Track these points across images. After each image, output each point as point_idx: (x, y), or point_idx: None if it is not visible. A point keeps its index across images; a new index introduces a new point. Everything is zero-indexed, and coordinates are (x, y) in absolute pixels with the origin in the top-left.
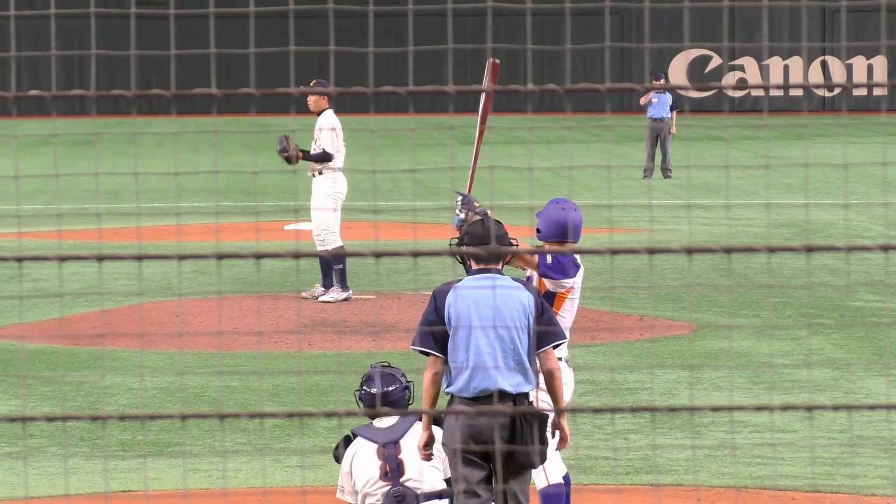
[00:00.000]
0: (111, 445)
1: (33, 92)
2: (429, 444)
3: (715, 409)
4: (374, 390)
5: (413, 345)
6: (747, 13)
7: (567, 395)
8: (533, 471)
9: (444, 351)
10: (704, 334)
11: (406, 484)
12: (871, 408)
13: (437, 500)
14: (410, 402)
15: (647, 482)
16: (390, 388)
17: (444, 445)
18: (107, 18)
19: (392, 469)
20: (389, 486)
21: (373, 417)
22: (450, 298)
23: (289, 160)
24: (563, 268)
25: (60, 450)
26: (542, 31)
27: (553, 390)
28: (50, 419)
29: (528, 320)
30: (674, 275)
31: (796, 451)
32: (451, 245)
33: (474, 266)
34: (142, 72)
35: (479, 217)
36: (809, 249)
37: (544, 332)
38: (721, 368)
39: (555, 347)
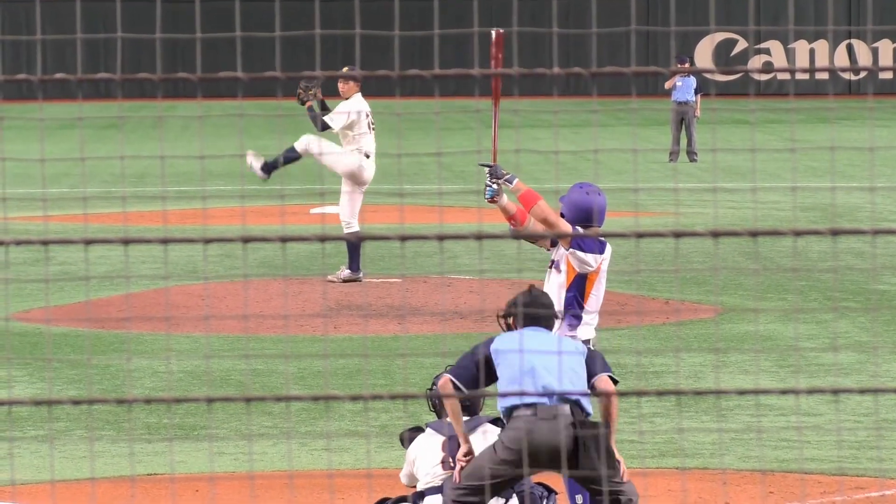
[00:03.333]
0: (137, 429)
1: (59, 75)
2: (469, 453)
3: (741, 393)
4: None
5: (450, 374)
6: None
7: None
8: None
9: (466, 386)
10: (730, 318)
11: None
12: None
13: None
14: (482, 406)
15: (673, 465)
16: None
17: (498, 450)
18: (132, 1)
19: (455, 461)
20: (449, 474)
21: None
22: (499, 338)
23: (301, 101)
24: (590, 245)
25: (86, 433)
26: (568, 14)
27: (606, 413)
28: (76, 402)
29: (581, 361)
30: (700, 258)
31: (822, 434)
32: (498, 317)
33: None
34: (167, 55)
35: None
36: (835, 233)
37: (595, 363)
38: (747, 352)
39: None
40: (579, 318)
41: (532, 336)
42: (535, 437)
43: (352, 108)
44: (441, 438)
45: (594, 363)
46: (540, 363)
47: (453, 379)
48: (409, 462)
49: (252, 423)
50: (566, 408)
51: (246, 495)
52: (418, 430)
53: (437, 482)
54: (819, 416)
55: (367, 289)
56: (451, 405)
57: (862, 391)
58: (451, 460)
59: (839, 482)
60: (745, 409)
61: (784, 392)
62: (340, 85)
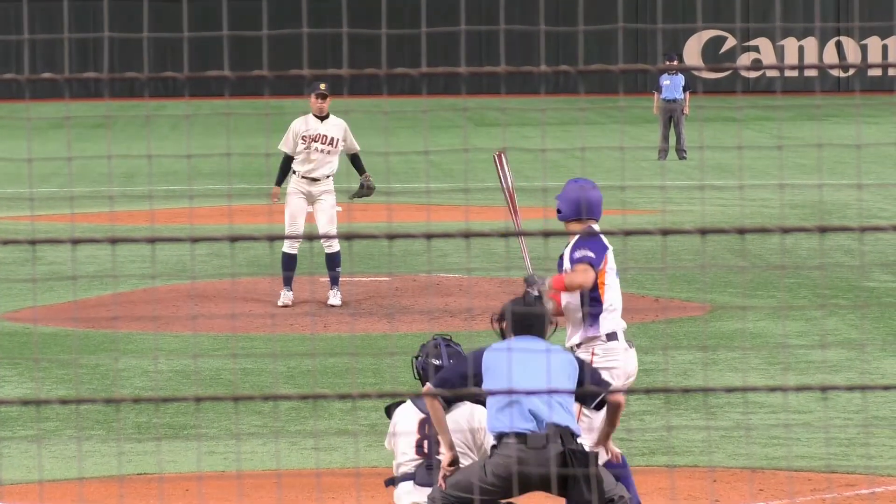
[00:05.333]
0: (126, 428)
1: (46, 75)
2: (453, 463)
3: (729, 391)
4: (437, 362)
5: (432, 383)
6: None
7: (622, 377)
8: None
9: (448, 402)
10: (719, 315)
11: (439, 458)
12: (886, 388)
13: None
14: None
15: (663, 463)
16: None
17: (487, 476)
18: (121, 1)
19: (429, 445)
20: (422, 460)
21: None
22: (489, 351)
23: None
24: (593, 254)
25: (75, 433)
26: (556, 11)
27: (612, 417)
28: (64, 402)
29: (572, 376)
30: (688, 256)
31: (811, 431)
32: (492, 320)
33: (513, 337)
34: (156, 54)
35: (529, 294)
36: (823, 230)
37: (589, 375)
38: (736, 349)
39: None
40: (597, 316)
41: (524, 349)
42: (524, 467)
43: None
44: (419, 416)
45: (588, 375)
46: (530, 385)
47: (433, 389)
48: (390, 433)
49: (241, 422)
50: (556, 434)
51: (235, 494)
52: (400, 403)
53: (411, 468)
54: (808, 414)
55: (355, 287)
56: (436, 413)
57: (851, 388)
58: (425, 444)
59: (829, 479)
60: (734, 407)
61: (773, 389)
62: (323, 103)
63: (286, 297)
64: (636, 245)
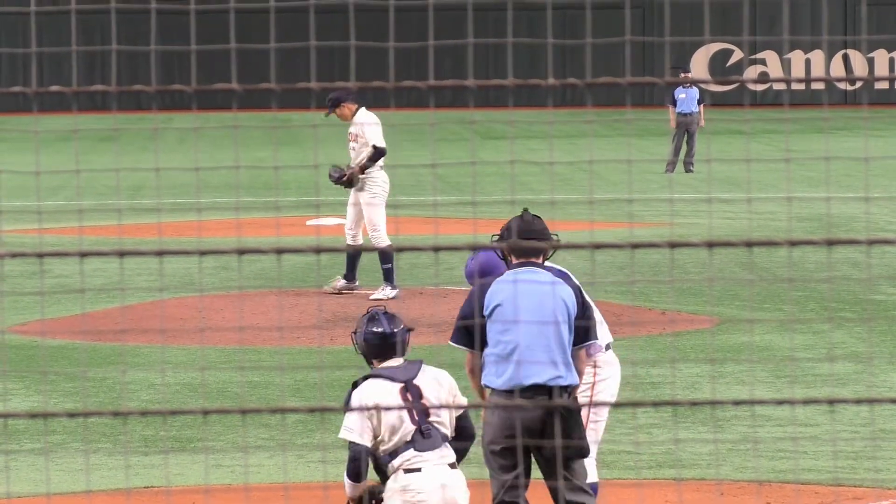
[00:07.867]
0: (133, 441)
1: (54, 87)
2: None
3: (737, 403)
4: (379, 330)
5: (451, 340)
6: (768, 6)
7: (612, 389)
8: None
9: (481, 346)
10: (727, 328)
11: (432, 422)
12: (894, 401)
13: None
14: (407, 347)
15: (670, 476)
16: (396, 329)
17: (484, 444)
18: (128, 14)
19: (419, 412)
20: (416, 427)
21: (378, 358)
22: (490, 289)
23: (350, 183)
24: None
25: (82, 446)
26: (564, 24)
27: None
28: (72, 415)
29: (570, 315)
30: (696, 269)
31: (819, 444)
32: (492, 240)
33: (514, 261)
34: (163, 67)
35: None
36: (831, 243)
37: (580, 329)
38: (743, 362)
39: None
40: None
41: (521, 288)
42: (513, 424)
43: (375, 119)
44: (397, 386)
45: (578, 330)
46: (524, 338)
47: (467, 348)
48: (363, 416)
49: (248, 435)
50: (543, 390)
51: None
52: (356, 384)
53: (408, 435)
54: (815, 427)
55: (362, 301)
56: (477, 384)
57: (858, 401)
58: (414, 412)
59: (836, 492)
60: (741, 420)
61: (780, 402)
62: (345, 108)
63: (384, 292)
64: (644, 258)
